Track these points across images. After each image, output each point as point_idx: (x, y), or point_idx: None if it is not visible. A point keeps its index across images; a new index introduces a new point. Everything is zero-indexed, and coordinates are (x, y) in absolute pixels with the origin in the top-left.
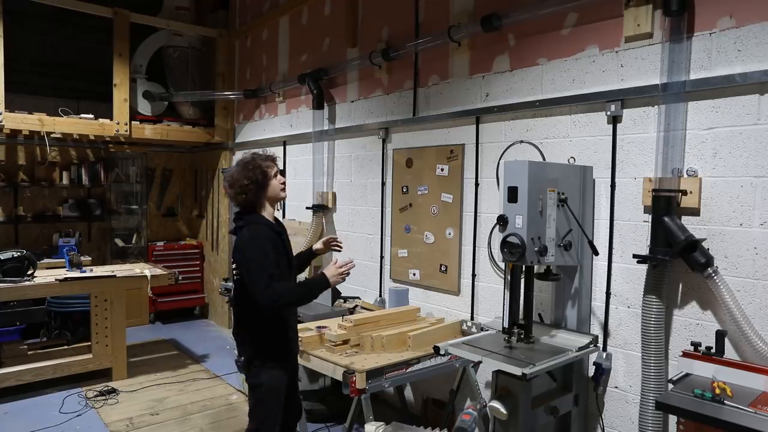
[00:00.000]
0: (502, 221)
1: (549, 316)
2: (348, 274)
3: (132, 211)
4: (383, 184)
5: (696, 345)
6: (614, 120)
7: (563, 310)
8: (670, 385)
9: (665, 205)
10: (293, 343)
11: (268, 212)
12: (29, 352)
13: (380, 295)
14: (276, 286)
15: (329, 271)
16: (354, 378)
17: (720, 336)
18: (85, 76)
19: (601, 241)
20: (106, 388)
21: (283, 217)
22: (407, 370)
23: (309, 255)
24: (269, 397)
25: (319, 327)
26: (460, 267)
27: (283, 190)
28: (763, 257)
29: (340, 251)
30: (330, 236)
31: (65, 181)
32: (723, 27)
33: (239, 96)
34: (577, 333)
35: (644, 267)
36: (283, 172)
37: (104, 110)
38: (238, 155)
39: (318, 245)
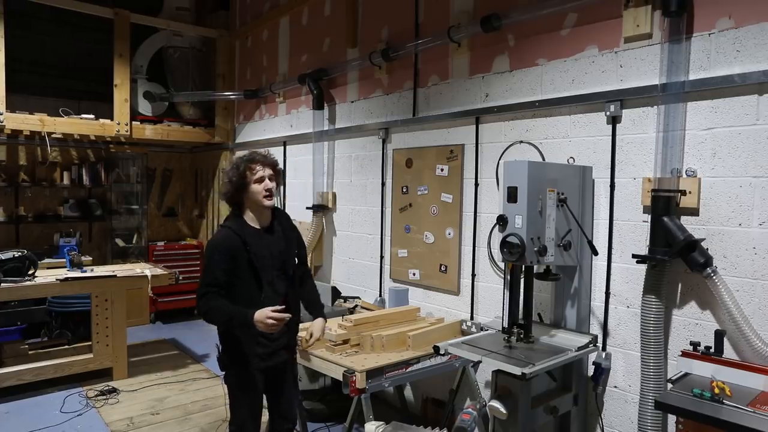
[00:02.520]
0: (502, 221)
1: (548, 316)
2: (277, 328)
3: (132, 211)
4: (383, 184)
5: (695, 345)
6: (613, 120)
7: (563, 309)
8: (670, 385)
9: (664, 205)
10: (260, 353)
11: (250, 217)
12: (30, 352)
13: (380, 295)
14: (209, 299)
15: (259, 314)
16: (354, 378)
17: (719, 336)
18: (86, 76)
19: (600, 241)
20: (107, 388)
21: None
22: (407, 370)
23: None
24: (236, 396)
25: None
26: (459, 267)
27: (267, 197)
28: (761, 257)
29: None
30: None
31: (66, 181)
32: (722, 27)
33: (239, 96)
34: (577, 333)
35: (643, 267)
36: (276, 177)
37: (105, 110)
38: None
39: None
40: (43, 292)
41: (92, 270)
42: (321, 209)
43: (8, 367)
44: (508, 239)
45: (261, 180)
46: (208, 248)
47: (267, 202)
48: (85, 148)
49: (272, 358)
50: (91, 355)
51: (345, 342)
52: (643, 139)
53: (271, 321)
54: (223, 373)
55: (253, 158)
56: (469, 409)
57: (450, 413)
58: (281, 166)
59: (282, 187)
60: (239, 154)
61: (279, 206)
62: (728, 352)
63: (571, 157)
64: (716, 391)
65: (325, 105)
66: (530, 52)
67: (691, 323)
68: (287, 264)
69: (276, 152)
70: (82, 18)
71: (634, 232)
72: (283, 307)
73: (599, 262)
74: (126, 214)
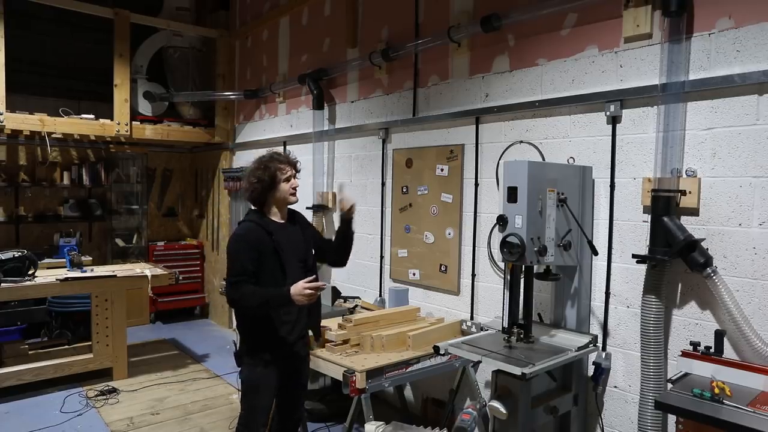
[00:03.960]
0: (502, 221)
1: (548, 316)
2: (316, 296)
3: (132, 211)
4: (383, 184)
5: (695, 345)
6: (613, 120)
7: (563, 309)
8: (670, 385)
9: (664, 205)
10: (283, 343)
11: (274, 212)
12: (30, 352)
13: (380, 295)
14: (240, 286)
15: (295, 289)
16: (354, 378)
17: (719, 336)
18: (86, 76)
19: (600, 241)
20: (107, 388)
21: None
22: (407, 370)
23: (344, 228)
24: (248, 393)
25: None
26: (459, 267)
27: (293, 194)
28: (761, 257)
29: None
30: (341, 201)
31: (66, 181)
32: (722, 27)
33: (239, 96)
34: (577, 333)
35: (643, 267)
36: (296, 175)
37: (105, 110)
38: (240, 154)
39: (343, 205)
40: (43, 292)
41: (92, 270)
42: (321, 209)
43: (8, 367)
44: (508, 239)
45: (289, 179)
46: (232, 241)
47: (292, 199)
48: (85, 148)
49: (289, 349)
50: (91, 355)
51: (345, 342)
52: (643, 139)
53: (309, 291)
54: (239, 369)
55: (281, 159)
56: (469, 409)
57: (450, 413)
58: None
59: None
60: (267, 153)
61: None
62: (728, 352)
63: (571, 157)
64: (716, 391)
65: (325, 105)
66: (530, 52)
67: (691, 323)
68: (308, 258)
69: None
70: (82, 18)
71: (634, 232)
72: (315, 276)
73: (599, 262)
74: (126, 214)
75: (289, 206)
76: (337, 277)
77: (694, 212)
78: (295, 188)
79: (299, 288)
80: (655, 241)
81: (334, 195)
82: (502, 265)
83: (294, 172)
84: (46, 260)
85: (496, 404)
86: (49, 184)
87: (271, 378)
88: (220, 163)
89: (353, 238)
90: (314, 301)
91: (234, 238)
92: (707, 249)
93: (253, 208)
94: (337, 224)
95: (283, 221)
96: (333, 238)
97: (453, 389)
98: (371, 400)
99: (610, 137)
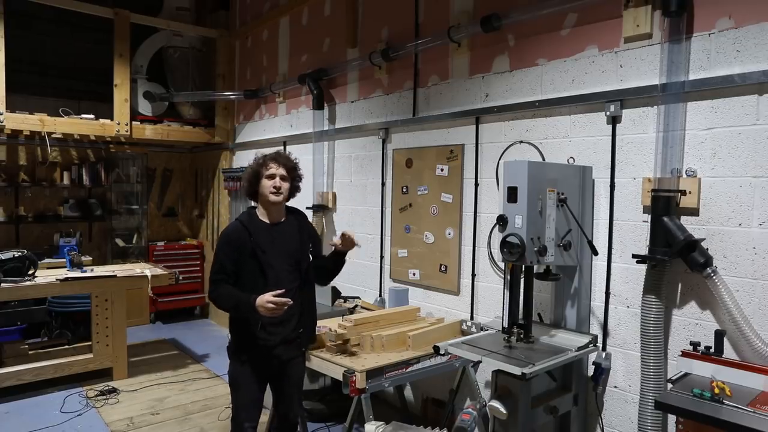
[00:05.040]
0: (502, 221)
1: (548, 316)
2: (279, 312)
3: (132, 211)
4: (383, 184)
5: (695, 345)
6: (613, 120)
7: (563, 309)
8: (670, 385)
9: (664, 205)
10: (262, 345)
11: (261, 211)
12: (30, 352)
13: (380, 295)
14: (218, 286)
15: (260, 300)
16: (354, 378)
17: (719, 336)
18: (86, 76)
19: (600, 241)
20: (107, 388)
21: None
22: (407, 370)
23: (335, 256)
24: (231, 388)
25: (319, 327)
26: (459, 267)
27: (274, 194)
28: (761, 257)
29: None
30: (344, 232)
31: (66, 181)
32: (722, 27)
33: (239, 96)
34: (577, 333)
35: (643, 267)
36: (289, 178)
37: (105, 110)
38: (240, 154)
39: (336, 242)
40: (43, 292)
41: (92, 270)
42: (321, 209)
43: (8, 367)
44: (508, 239)
45: (272, 177)
46: (219, 238)
47: (272, 198)
48: (85, 148)
49: (271, 352)
50: (91, 355)
51: (345, 342)
52: (643, 139)
53: (271, 305)
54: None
55: (273, 156)
56: (469, 409)
57: (450, 413)
58: (301, 171)
59: (298, 192)
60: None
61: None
62: (728, 352)
63: (571, 157)
64: (716, 391)
65: (325, 105)
66: (530, 52)
67: (691, 323)
68: (301, 261)
69: None
70: (82, 18)
71: (634, 232)
72: (284, 291)
73: (599, 262)
74: (126, 214)
75: (278, 205)
76: (337, 277)
77: (694, 212)
78: (277, 188)
79: (263, 300)
80: (655, 241)
81: (334, 195)
82: (502, 265)
83: (282, 172)
84: (46, 260)
85: (496, 404)
86: (49, 184)
87: (248, 376)
88: (220, 163)
89: (343, 266)
90: (280, 315)
91: (220, 235)
92: (707, 249)
93: (252, 204)
94: (336, 225)
95: (272, 222)
96: (326, 255)
97: (453, 389)
98: (371, 400)
99: (610, 137)
